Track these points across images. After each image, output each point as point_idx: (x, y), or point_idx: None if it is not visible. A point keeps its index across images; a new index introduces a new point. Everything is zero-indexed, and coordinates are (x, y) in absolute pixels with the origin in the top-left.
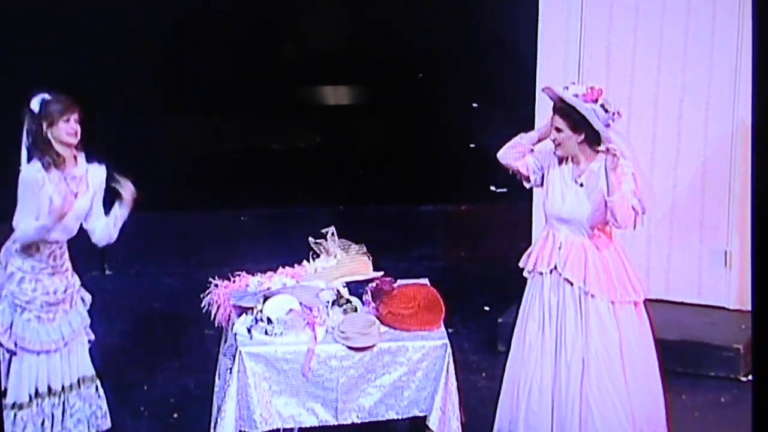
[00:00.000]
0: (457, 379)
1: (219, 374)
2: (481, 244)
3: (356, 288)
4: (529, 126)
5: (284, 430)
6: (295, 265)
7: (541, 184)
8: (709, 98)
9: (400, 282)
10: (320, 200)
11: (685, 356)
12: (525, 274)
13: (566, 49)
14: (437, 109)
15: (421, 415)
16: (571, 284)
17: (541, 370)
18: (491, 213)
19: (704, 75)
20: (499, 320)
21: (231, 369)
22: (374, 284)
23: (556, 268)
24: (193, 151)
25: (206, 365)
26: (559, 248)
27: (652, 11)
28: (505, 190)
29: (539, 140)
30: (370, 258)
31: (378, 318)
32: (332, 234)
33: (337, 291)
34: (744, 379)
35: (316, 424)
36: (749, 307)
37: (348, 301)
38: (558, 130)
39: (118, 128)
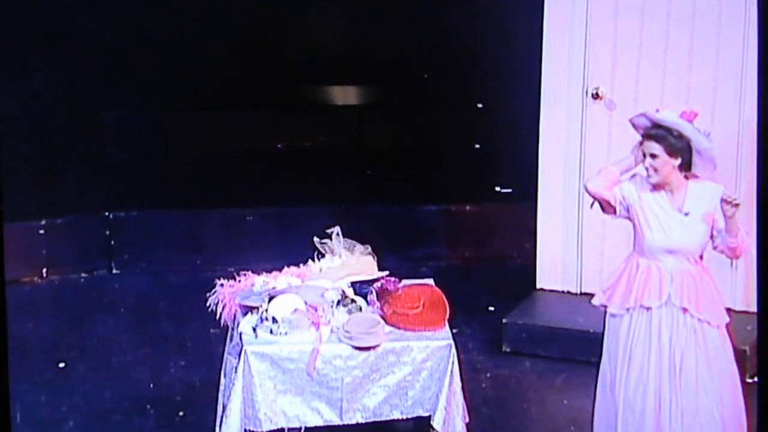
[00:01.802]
0: (461, 380)
1: (224, 373)
2: (485, 245)
3: (361, 288)
4: (534, 127)
5: (290, 429)
6: (301, 265)
7: (627, 217)
8: (714, 100)
9: (404, 282)
10: (325, 200)
11: None
12: (616, 310)
13: (571, 49)
14: (442, 109)
15: (426, 415)
16: (686, 314)
17: (655, 410)
18: (496, 213)
19: (710, 76)
20: (504, 320)
21: (236, 368)
22: (379, 284)
23: (669, 299)
24: (198, 150)
25: (212, 364)
26: (671, 279)
27: (657, 12)
28: (510, 190)
29: (628, 170)
30: (375, 258)
31: (383, 318)
32: (337, 234)
33: (342, 291)
34: (750, 381)
35: (321, 424)
36: (755, 309)
37: (353, 300)
38: (653, 156)
39: (123, 127)
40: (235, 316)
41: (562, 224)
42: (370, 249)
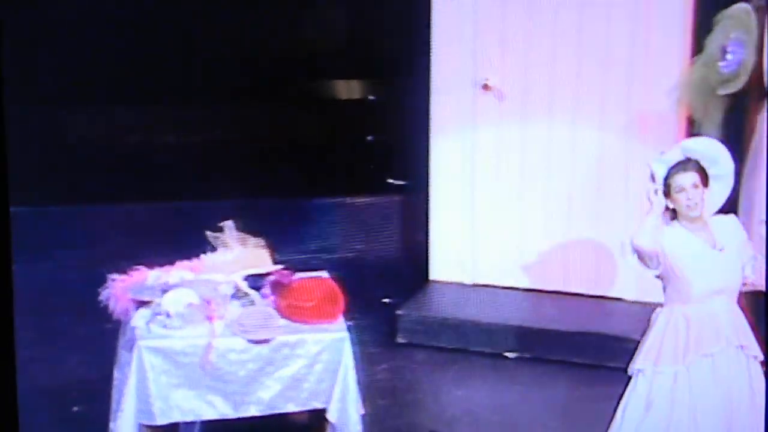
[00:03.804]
0: (356, 371)
1: (118, 367)
2: (379, 237)
3: (255, 281)
4: (425, 119)
5: (185, 423)
6: (193, 259)
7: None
8: (604, 90)
9: (298, 275)
10: (218, 194)
11: (583, 348)
12: (670, 368)
13: (459, 41)
14: (334, 101)
15: (321, 407)
16: (742, 352)
17: None
18: (389, 205)
19: (599, 65)
20: (398, 312)
21: (130, 363)
22: (273, 277)
23: (727, 341)
24: (92, 145)
25: (105, 359)
26: (725, 321)
27: (545, 1)
28: (402, 182)
29: (659, 216)
30: (269, 251)
31: (277, 311)
32: (230, 227)
33: (236, 284)
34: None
35: (216, 417)
36: (647, 299)
37: (246, 294)
38: (696, 186)
39: (16, 121)
40: (127, 310)
41: (455, 216)
42: (263, 242)
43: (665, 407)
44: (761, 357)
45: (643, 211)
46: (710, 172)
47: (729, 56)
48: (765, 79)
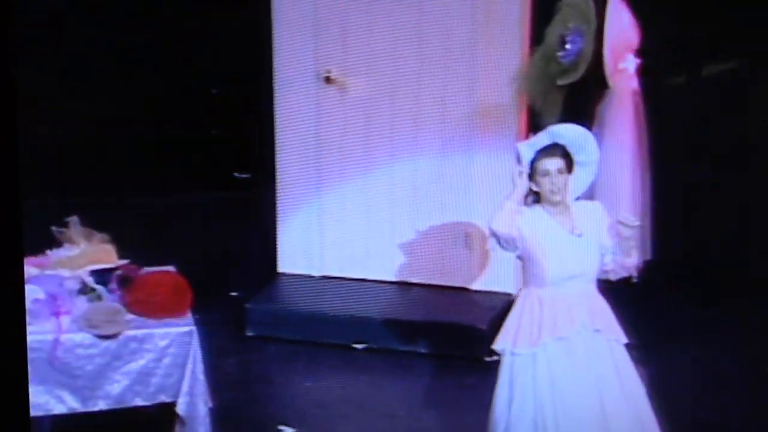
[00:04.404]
0: (205, 365)
1: None
2: (227, 231)
3: (101, 276)
4: (270, 112)
5: (33, 418)
6: (39, 255)
7: (521, 252)
8: (446, 81)
9: (145, 269)
10: (65, 190)
11: (429, 338)
12: (526, 350)
13: (301, 33)
14: (176, 96)
15: (169, 401)
16: (599, 336)
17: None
18: (236, 199)
19: (440, 56)
20: (247, 305)
21: None
22: (119, 272)
23: (583, 324)
24: None
25: None
26: (580, 304)
27: None
28: (247, 176)
29: (520, 199)
30: (115, 246)
31: (124, 306)
32: (75, 223)
33: (82, 280)
34: (488, 359)
35: (65, 412)
36: (493, 288)
37: (93, 289)
38: (560, 172)
39: None
40: None
41: (301, 209)
42: (108, 237)
43: (528, 389)
44: (624, 340)
45: (503, 196)
46: (576, 158)
47: (568, 46)
48: (605, 69)
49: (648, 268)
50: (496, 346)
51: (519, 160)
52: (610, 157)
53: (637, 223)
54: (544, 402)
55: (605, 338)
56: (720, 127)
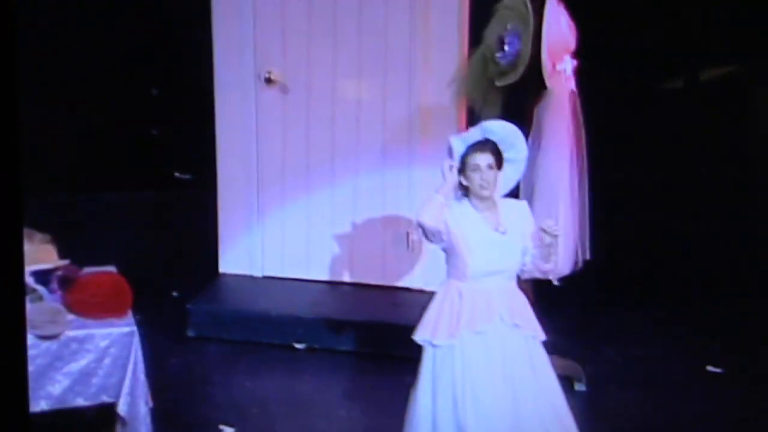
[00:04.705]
0: (146, 365)
1: None
2: (168, 231)
3: (41, 277)
4: (209, 111)
5: None
6: None
7: (447, 245)
8: (386, 82)
9: (86, 270)
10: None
11: (371, 338)
12: (444, 341)
13: (240, 33)
14: (117, 94)
15: (110, 401)
16: (517, 331)
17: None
18: (177, 200)
19: (380, 58)
20: (188, 306)
21: None
22: (60, 273)
23: (501, 319)
24: None
25: None
26: (499, 299)
27: None
28: (189, 176)
29: (448, 193)
30: (55, 246)
31: (65, 306)
32: None
33: None
34: None
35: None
36: (433, 288)
37: (33, 290)
38: (491, 167)
39: None
40: None
41: (242, 209)
42: (49, 237)
43: (448, 382)
44: (542, 337)
45: (434, 189)
46: (506, 155)
47: (506, 47)
48: (543, 70)
49: (588, 269)
50: (416, 336)
51: (450, 154)
52: (547, 158)
53: (558, 232)
54: (463, 395)
55: (523, 334)
56: (660, 127)
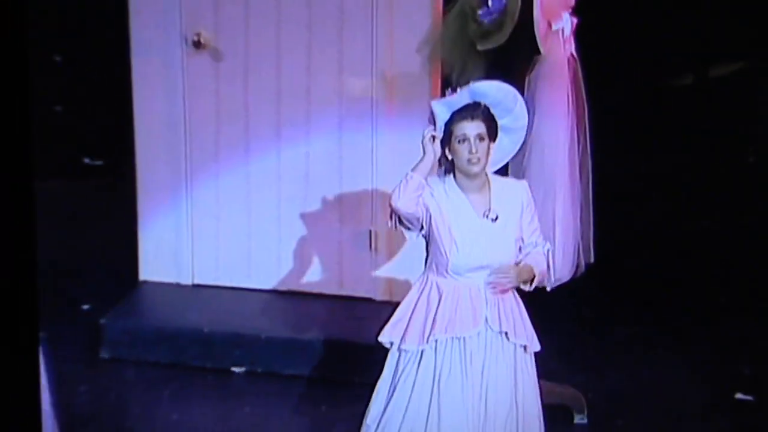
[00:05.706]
0: (52, 393)
1: None
2: (76, 229)
3: None
4: (125, 83)
5: None
6: None
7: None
8: (342, 47)
9: None
10: None
11: (324, 359)
12: (415, 347)
13: None
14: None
15: None
16: (504, 339)
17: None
18: (87, 190)
19: (335, 17)
20: (101, 321)
21: None
22: None
23: (486, 323)
24: None
25: None
26: (486, 301)
27: None
28: (101, 162)
29: (429, 171)
30: None
31: None
32: None
33: None
34: None
35: None
36: (400, 298)
37: None
38: (481, 139)
39: None
40: None
41: (168, 203)
42: None
43: (406, 391)
44: (536, 348)
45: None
46: (501, 122)
47: (489, 3)
48: (536, 31)
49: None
50: (382, 338)
51: (432, 122)
52: (542, 138)
53: (548, 247)
54: (420, 408)
55: (512, 343)
56: (677, 101)
